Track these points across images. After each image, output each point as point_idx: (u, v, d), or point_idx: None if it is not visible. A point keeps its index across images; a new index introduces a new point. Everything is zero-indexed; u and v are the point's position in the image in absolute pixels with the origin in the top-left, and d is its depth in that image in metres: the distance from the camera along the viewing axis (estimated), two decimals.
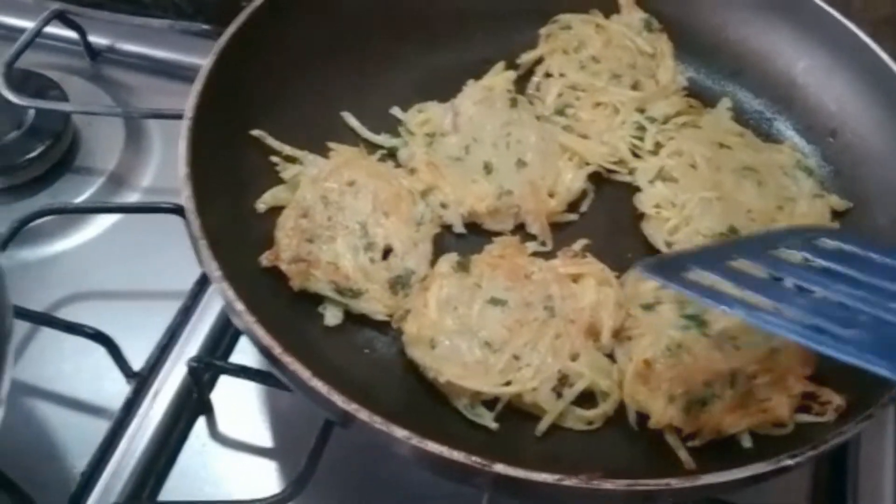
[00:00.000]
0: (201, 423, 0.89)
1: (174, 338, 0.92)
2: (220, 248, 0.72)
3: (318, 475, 0.78)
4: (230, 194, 0.81)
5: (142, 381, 0.89)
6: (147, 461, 0.85)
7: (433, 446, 0.61)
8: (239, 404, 0.90)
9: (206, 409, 0.89)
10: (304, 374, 0.65)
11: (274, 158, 0.89)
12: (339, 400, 0.63)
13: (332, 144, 0.90)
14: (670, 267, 0.68)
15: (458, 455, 0.61)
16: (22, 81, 1.04)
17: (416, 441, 0.62)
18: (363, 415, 0.63)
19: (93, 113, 1.03)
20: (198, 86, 0.78)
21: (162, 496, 0.84)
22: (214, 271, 0.68)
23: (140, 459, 0.84)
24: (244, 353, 0.93)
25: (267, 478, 0.86)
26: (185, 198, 0.72)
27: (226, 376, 0.90)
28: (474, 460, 0.61)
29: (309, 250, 0.81)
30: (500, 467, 0.61)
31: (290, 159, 0.89)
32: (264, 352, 0.67)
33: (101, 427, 0.86)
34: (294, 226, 0.82)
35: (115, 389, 0.89)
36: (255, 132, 0.87)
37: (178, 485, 0.85)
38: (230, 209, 0.80)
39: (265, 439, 0.88)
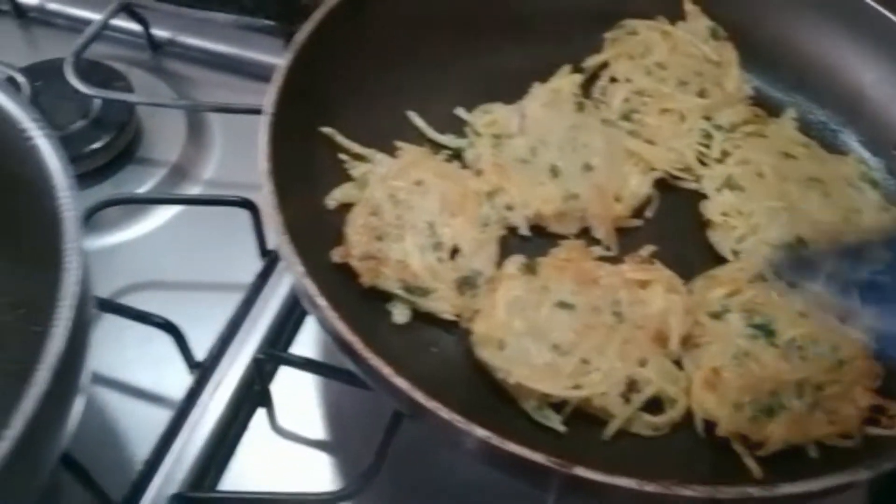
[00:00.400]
0: (260, 414, 0.89)
1: (235, 329, 0.93)
2: (297, 243, 0.72)
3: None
4: (303, 190, 0.82)
5: (204, 372, 0.89)
6: (208, 451, 0.85)
7: (514, 447, 0.62)
8: (297, 397, 0.90)
9: (266, 402, 0.89)
10: (386, 370, 0.65)
11: (342, 156, 0.89)
12: (420, 397, 0.64)
13: (399, 144, 0.90)
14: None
15: (538, 457, 0.61)
16: (88, 72, 1.05)
17: (496, 441, 0.62)
18: (444, 413, 0.63)
19: (160, 105, 1.04)
20: (277, 82, 0.79)
21: (221, 487, 0.85)
22: (297, 266, 0.69)
23: (201, 449, 0.85)
24: (303, 347, 0.94)
25: (325, 471, 0.86)
26: (266, 193, 0.73)
27: (284, 369, 0.91)
28: (554, 462, 0.61)
29: (378, 248, 0.82)
30: (580, 470, 0.61)
31: (359, 157, 0.89)
32: (345, 348, 0.68)
33: (162, 415, 0.87)
34: (364, 223, 0.83)
35: (175, 379, 0.89)
36: (326, 129, 0.88)
37: (237, 476, 0.86)
38: (303, 205, 0.81)
39: (323, 433, 0.89)
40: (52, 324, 0.60)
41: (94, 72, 1.06)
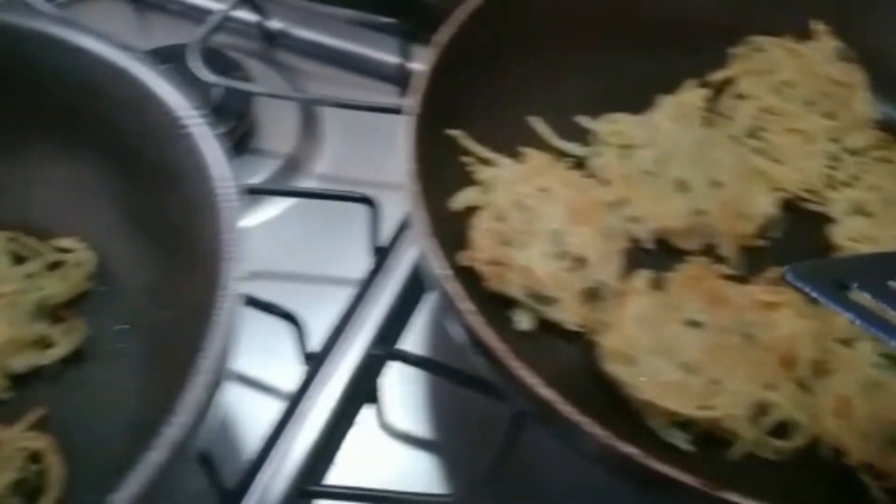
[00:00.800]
0: (366, 411, 0.90)
1: (345, 324, 0.93)
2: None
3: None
4: (433, 193, 0.82)
5: (317, 365, 0.90)
6: (317, 445, 0.85)
7: (662, 467, 0.61)
8: (404, 395, 0.91)
9: (374, 398, 0.90)
10: (531, 380, 0.65)
11: (465, 159, 0.90)
12: (569, 412, 0.63)
13: (525, 150, 0.90)
14: (827, 276, 0.61)
15: (686, 478, 0.61)
16: (209, 60, 1.05)
17: (642, 459, 0.62)
18: (591, 428, 0.63)
19: (283, 97, 1.04)
20: (423, 82, 0.79)
21: (326, 482, 0.85)
22: (442, 269, 0.69)
23: (312, 443, 0.85)
24: (410, 345, 0.94)
25: (431, 472, 0.86)
26: (411, 194, 0.73)
27: (392, 366, 0.91)
28: (703, 484, 0.61)
29: (505, 253, 0.82)
30: (728, 494, 0.61)
31: (484, 161, 0.89)
32: (486, 352, 0.68)
33: (272, 406, 0.88)
34: (490, 228, 0.83)
35: (285, 370, 0.90)
36: (453, 132, 0.88)
37: (342, 472, 0.86)
38: (433, 207, 0.81)
39: (430, 432, 0.89)
40: (213, 311, 0.61)
41: (215, 61, 1.06)
